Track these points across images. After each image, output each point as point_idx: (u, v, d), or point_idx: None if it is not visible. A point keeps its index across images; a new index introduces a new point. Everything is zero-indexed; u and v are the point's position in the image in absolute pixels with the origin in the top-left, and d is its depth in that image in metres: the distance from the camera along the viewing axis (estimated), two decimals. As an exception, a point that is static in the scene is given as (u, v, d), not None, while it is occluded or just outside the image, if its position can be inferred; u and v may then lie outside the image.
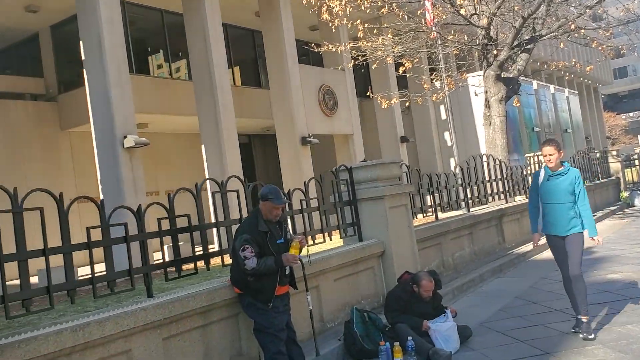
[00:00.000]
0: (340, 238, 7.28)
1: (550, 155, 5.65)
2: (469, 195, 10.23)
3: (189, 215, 4.97)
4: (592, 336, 5.36)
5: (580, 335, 5.44)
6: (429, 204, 9.09)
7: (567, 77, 36.26)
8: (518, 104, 14.80)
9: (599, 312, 6.21)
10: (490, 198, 10.94)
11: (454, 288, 8.01)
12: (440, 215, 9.65)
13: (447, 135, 21.93)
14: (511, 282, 8.36)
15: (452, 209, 9.99)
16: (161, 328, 4.34)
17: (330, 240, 6.90)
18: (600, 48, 13.66)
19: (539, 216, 5.83)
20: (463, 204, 10.19)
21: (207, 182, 5.73)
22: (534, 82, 28.30)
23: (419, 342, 5.48)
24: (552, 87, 31.51)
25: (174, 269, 4.84)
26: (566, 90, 34.35)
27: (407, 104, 18.15)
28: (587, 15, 13.47)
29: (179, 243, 5.00)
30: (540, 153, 13.47)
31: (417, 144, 25.04)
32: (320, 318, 6.14)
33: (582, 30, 11.94)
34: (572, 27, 11.61)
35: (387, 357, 5.31)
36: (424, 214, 8.94)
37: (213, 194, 5.27)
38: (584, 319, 5.52)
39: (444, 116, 23.11)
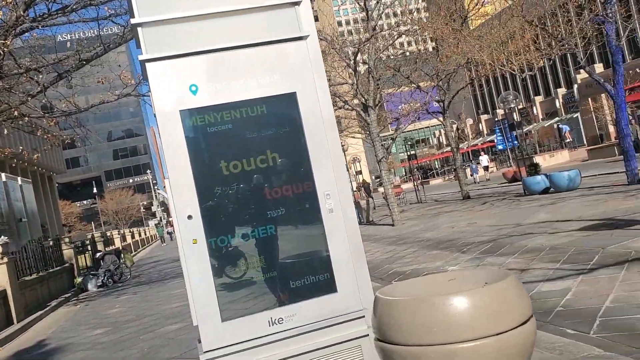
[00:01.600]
0: None
1: None
2: None
3: None
4: None
5: None
6: None
7: (15, 165, 35.38)
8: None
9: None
10: None
11: None
12: None
13: None
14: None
15: None
16: None
17: None
18: (46, 137, 13.81)
19: None
20: None
21: None
22: (-17, 170, 26.38)
23: None
24: (3, 175, 30.04)
25: None
26: (19, 178, 33.38)
27: None
28: (37, 104, 13.48)
29: None
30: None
31: None
32: None
33: (26, 118, 11.83)
34: (16, 113, 11.36)
35: None
36: None
37: None
38: None
39: None
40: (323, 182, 4.11)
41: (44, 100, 12.98)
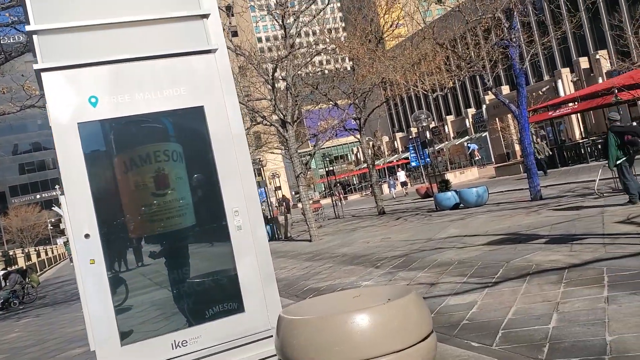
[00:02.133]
0: None
1: None
2: None
3: None
4: None
5: None
6: None
7: None
8: None
9: None
10: None
11: None
12: None
13: None
14: None
15: None
16: None
17: None
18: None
19: None
20: None
21: None
22: None
23: None
24: None
25: None
26: None
27: None
28: None
29: None
30: None
31: None
32: None
33: None
34: None
35: None
36: None
37: None
38: None
39: None
40: (231, 199, 4.03)
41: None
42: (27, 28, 3.72)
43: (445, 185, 20.39)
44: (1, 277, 19.68)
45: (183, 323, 3.92)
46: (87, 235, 3.71)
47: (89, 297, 3.71)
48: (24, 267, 27.88)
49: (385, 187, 50.00)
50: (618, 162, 11.62)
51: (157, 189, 3.93)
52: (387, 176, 59.41)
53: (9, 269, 24.10)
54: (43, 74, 3.71)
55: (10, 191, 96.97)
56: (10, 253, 32.58)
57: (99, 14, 3.86)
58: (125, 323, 3.77)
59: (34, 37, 3.71)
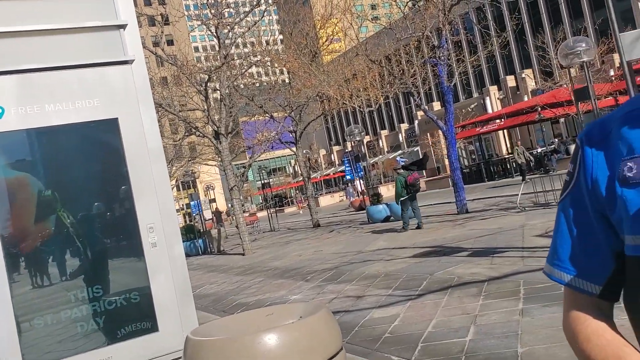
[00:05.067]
0: None
1: None
2: None
3: None
4: None
5: None
6: None
7: None
8: None
9: None
10: None
11: None
12: None
13: None
14: None
15: None
16: None
17: None
18: None
19: None
20: None
21: None
22: None
23: None
24: None
25: None
26: None
27: None
28: None
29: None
30: None
31: None
32: None
33: None
34: None
35: None
36: None
37: None
38: None
39: None
40: (145, 215, 3.92)
41: None
42: None
43: (377, 199, 20.70)
44: None
45: (93, 343, 3.76)
46: (-12, 253, 3.52)
47: (-10, 318, 3.50)
48: None
49: (321, 199, 50.15)
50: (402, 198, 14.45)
51: (68, 204, 3.78)
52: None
53: None
54: (-58, 82, 3.51)
55: None
56: None
57: (7, 21, 3.69)
58: (30, 344, 3.59)
59: None
